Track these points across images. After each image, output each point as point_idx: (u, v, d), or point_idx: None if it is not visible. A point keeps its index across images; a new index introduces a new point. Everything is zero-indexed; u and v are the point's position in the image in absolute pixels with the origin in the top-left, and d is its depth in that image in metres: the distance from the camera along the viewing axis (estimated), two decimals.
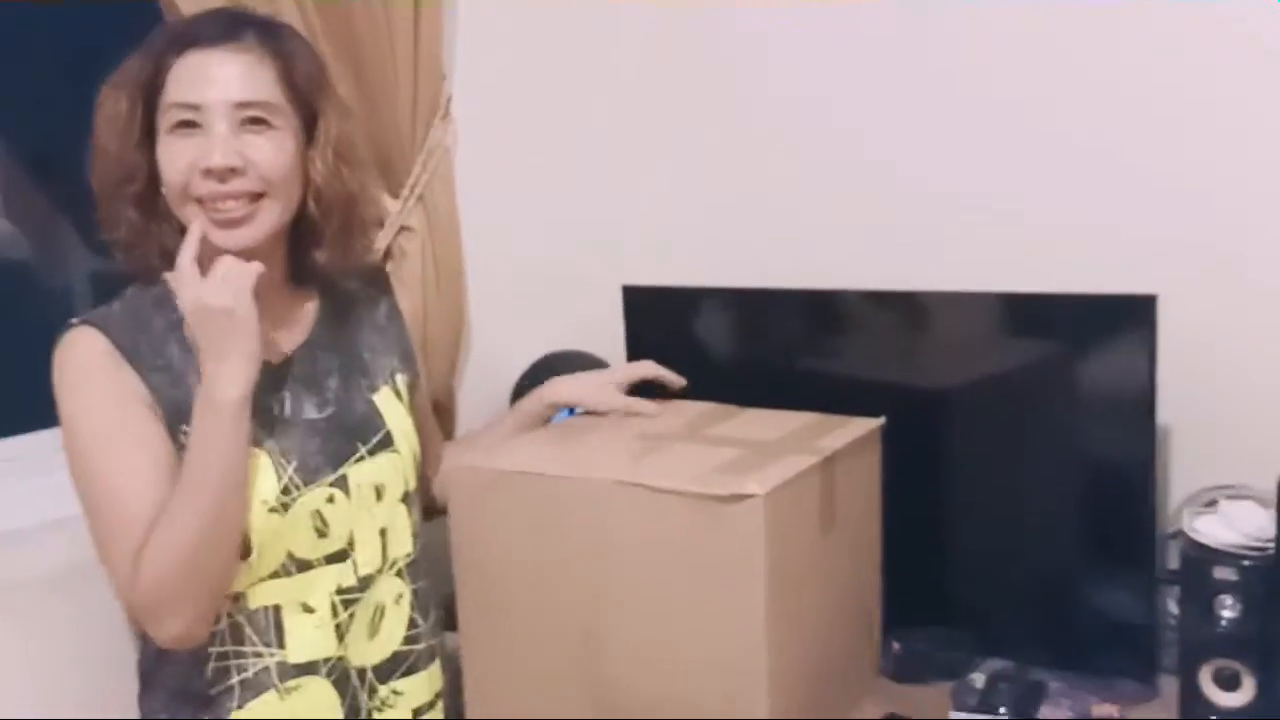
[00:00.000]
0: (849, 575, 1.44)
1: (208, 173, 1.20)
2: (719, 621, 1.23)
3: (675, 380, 1.57)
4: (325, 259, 1.32)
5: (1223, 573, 1.34)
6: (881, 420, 1.47)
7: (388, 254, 1.68)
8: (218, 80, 1.22)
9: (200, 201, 1.22)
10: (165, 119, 1.22)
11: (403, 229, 1.68)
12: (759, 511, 1.19)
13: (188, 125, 1.21)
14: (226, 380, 1.18)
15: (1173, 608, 1.49)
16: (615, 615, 1.29)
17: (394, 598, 1.35)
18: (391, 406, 1.37)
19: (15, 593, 1.40)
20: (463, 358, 1.78)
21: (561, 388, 1.53)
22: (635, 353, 1.73)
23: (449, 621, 1.58)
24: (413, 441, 1.38)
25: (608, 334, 1.76)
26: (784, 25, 1.75)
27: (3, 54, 1.60)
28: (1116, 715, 1.41)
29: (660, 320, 1.73)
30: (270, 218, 1.25)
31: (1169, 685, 1.43)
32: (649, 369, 1.56)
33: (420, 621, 1.38)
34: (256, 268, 1.21)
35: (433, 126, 1.71)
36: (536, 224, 1.90)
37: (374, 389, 1.36)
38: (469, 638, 1.39)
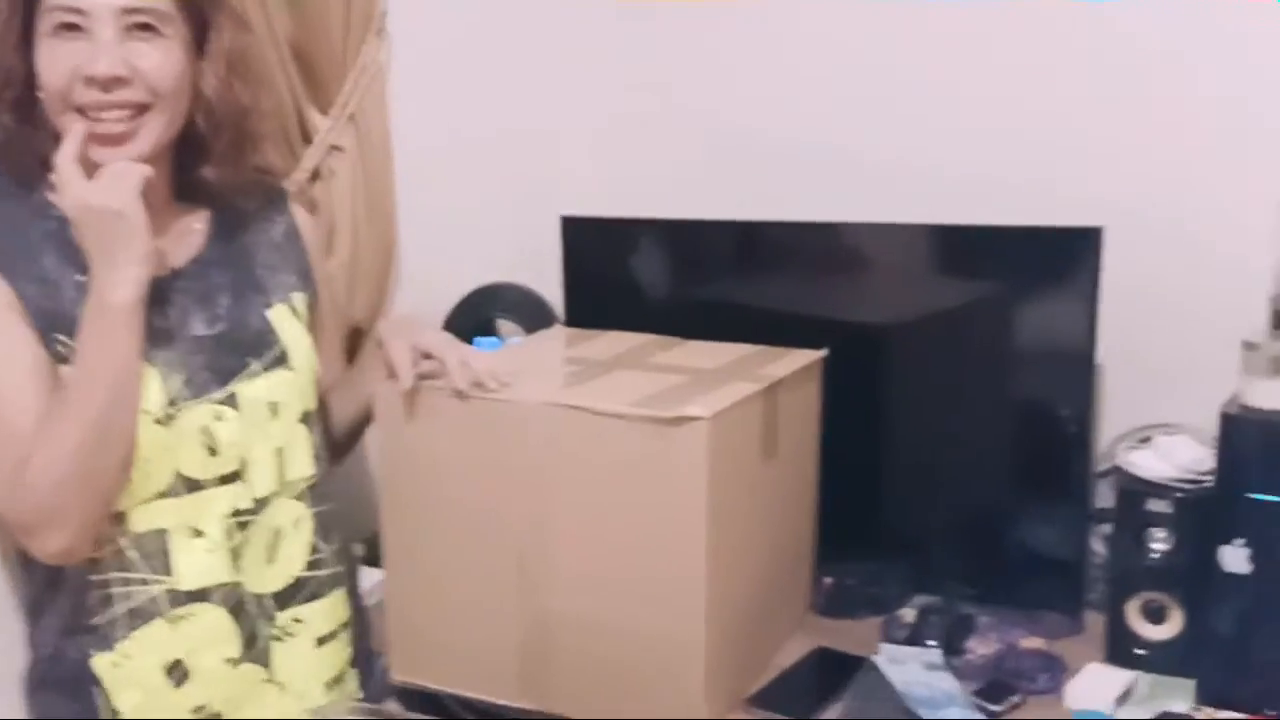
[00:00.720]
0: (787, 505, 1.43)
1: (91, 81, 1.14)
2: (659, 547, 1.21)
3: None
4: (215, 175, 1.27)
5: (1156, 505, 1.36)
6: (824, 352, 1.46)
7: (316, 174, 1.61)
8: None
9: (81, 111, 1.16)
10: (45, 20, 1.15)
11: (333, 148, 1.62)
12: (703, 434, 1.17)
13: (70, 28, 1.15)
14: (117, 283, 1.14)
15: (1098, 546, 1.51)
16: (551, 543, 1.26)
17: (293, 521, 1.30)
18: (288, 324, 1.31)
19: None
20: (393, 284, 1.73)
21: (384, 322, 1.47)
22: (573, 284, 1.70)
23: (370, 557, 1.55)
24: (312, 360, 1.33)
25: (546, 265, 1.72)
26: None
27: None
28: (1044, 648, 1.42)
29: (599, 251, 1.70)
30: (154, 133, 1.19)
31: (1094, 621, 1.45)
32: (427, 343, 1.35)
33: (323, 546, 1.33)
34: (144, 169, 1.16)
35: (365, 42, 1.64)
36: (473, 150, 1.84)
37: (269, 305, 1.31)
38: (394, 569, 1.35)
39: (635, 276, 1.70)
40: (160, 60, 1.18)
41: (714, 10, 1.73)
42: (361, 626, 1.42)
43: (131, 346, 1.16)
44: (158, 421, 1.19)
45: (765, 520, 1.36)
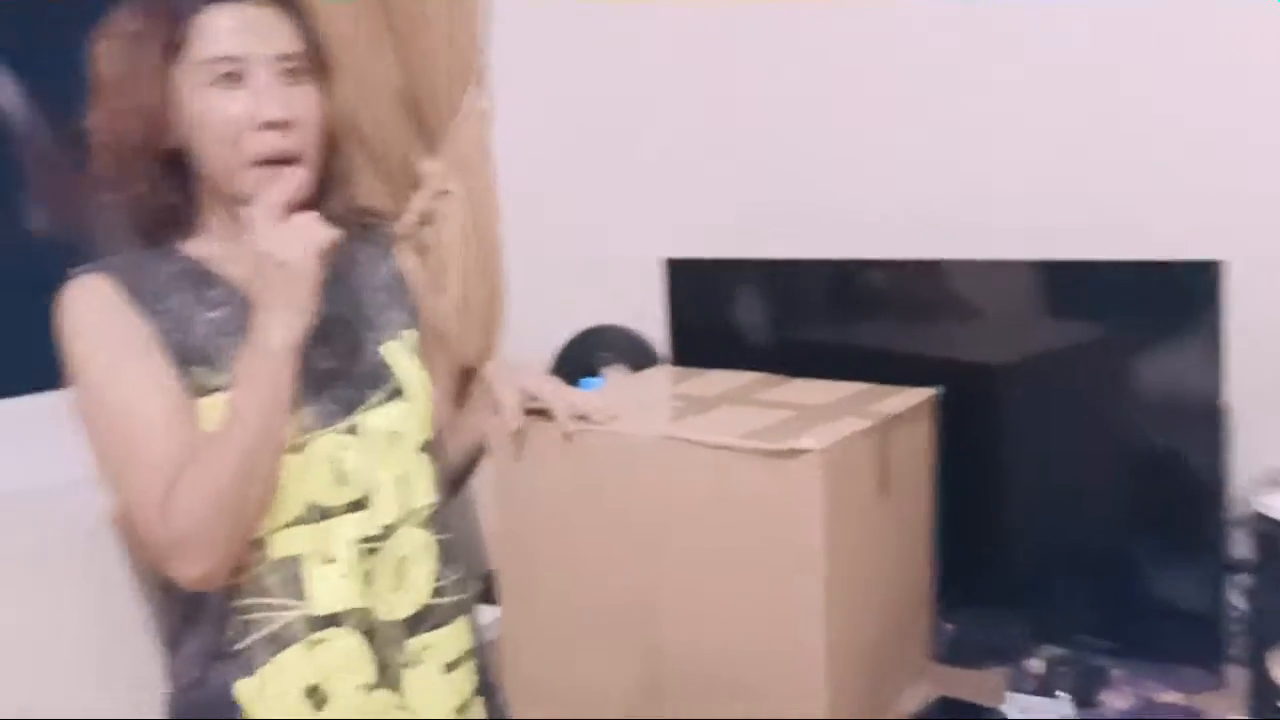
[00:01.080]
0: (903, 545, 1.39)
1: (267, 125, 1.20)
2: (775, 583, 1.19)
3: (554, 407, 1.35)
4: (329, 212, 1.31)
5: None
6: (935, 390, 1.42)
7: (425, 218, 1.65)
8: (257, 32, 1.22)
9: (254, 161, 1.21)
10: (200, 73, 1.21)
11: (440, 193, 1.66)
12: (816, 467, 1.14)
13: (229, 78, 1.21)
14: (277, 327, 1.19)
15: (1235, 599, 1.43)
16: (665, 578, 1.24)
17: (417, 548, 1.32)
18: (401, 358, 1.35)
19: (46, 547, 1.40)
20: (501, 326, 1.75)
21: (492, 365, 1.51)
22: (677, 326, 1.70)
23: (486, 595, 1.55)
24: (427, 392, 1.36)
25: (649, 308, 1.72)
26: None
27: (40, 38, 1.62)
28: (1183, 702, 1.34)
29: (703, 293, 1.69)
30: (308, 179, 1.25)
31: (1235, 676, 1.37)
32: (534, 386, 1.36)
33: (446, 574, 1.35)
34: (332, 233, 1.22)
35: (468, 91, 1.68)
36: (577, 194, 1.87)
37: (380, 341, 1.35)
38: (510, 602, 1.35)
39: (740, 317, 1.68)
40: (308, 103, 1.24)
41: (814, 50, 1.73)
42: (484, 658, 1.42)
43: (282, 389, 1.20)
44: (290, 449, 1.22)
45: (882, 558, 1.33)
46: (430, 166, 1.65)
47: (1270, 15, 1.44)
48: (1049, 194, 1.59)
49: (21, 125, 1.71)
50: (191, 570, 1.20)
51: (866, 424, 1.26)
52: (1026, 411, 1.51)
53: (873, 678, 1.31)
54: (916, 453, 1.40)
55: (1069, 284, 1.49)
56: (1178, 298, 1.38)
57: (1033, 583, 1.52)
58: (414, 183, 1.67)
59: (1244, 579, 1.38)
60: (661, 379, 1.52)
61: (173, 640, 1.30)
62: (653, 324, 1.74)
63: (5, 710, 1.35)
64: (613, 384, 1.50)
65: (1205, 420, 1.37)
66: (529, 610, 1.34)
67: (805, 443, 1.15)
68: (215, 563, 1.20)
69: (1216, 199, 1.48)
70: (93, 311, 1.22)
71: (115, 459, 1.21)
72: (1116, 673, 1.40)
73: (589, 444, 1.26)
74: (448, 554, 1.35)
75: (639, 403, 1.40)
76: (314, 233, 1.20)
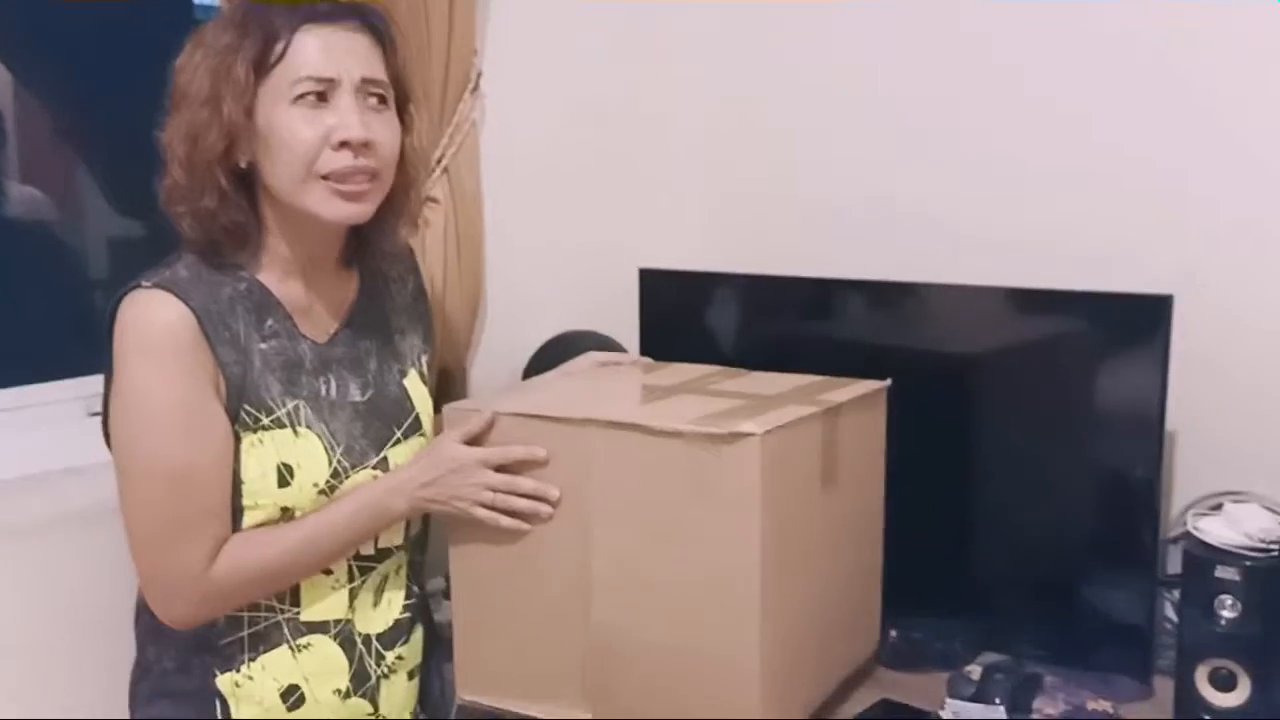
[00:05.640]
0: (850, 536, 1.42)
1: (344, 145, 1.20)
2: (715, 566, 1.22)
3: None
4: (380, 239, 1.34)
5: (1225, 572, 1.33)
6: (887, 381, 1.46)
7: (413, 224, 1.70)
8: (348, 55, 1.22)
9: (324, 178, 1.21)
10: (288, 91, 1.20)
11: (428, 199, 1.71)
12: (755, 451, 1.18)
13: (316, 98, 1.21)
14: (403, 499, 1.28)
15: (1170, 613, 1.48)
16: (612, 560, 1.27)
17: (395, 567, 1.37)
18: (418, 390, 1.39)
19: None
20: (478, 330, 1.80)
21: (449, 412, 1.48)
22: (648, 334, 1.75)
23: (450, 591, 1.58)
24: (432, 422, 1.40)
25: (621, 315, 1.77)
26: (806, 18, 1.79)
27: (33, 23, 1.64)
28: (1111, 712, 1.38)
29: (673, 303, 1.75)
30: (378, 198, 1.26)
31: (1163, 686, 1.42)
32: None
33: (416, 591, 1.40)
34: (510, 522, 1.29)
35: (462, 100, 1.74)
36: (557, 203, 1.92)
37: (404, 373, 1.38)
38: (460, 589, 1.38)
39: (708, 328, 1.74)
40: (388, 129, 1.25)
41: (791, 72, 1.79)
42: (432, 650, 1.46)
43: (362, 537, 1.29)
44: (321, 492, 1.26)
45: (825, 548, 1.36)
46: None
47: (1222, 68, 1.51)
48: (1017, 224, 1.65)
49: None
50: (185, 616, 1.25)
51: (811, 411, 1.29)
52: (980, 430, 1.57)
53: (813, 662, 1.35)
54: (867, 443, 1.44)
55: (1031, 310, 1.55)
56: (1130, 329, 1.44)
57: (977, 591, 1.57)
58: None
59: (1177, 595, 1.43)
60: (632, 371, 1.55)
61: (153, 628, 1.29)
62: (628, 332, 1.78)
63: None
64: (583, 374, 1.54)
65: (1146, 443, 1.43)
66: (479, 595, 1.36)
67: (747, 427, 1.18)
68: (204, 618, 1.26)
69: (1173, 235, 1.55)
70: (160, 337, 1.18)
71: (157, 497, 1.20)
72: (1051, 680, 1.43)
73: (538, 430, 1.28)
74: (418, 574, 1.41)
75: (600, 391, 1.44)
76: (486, 481, 1.28)
